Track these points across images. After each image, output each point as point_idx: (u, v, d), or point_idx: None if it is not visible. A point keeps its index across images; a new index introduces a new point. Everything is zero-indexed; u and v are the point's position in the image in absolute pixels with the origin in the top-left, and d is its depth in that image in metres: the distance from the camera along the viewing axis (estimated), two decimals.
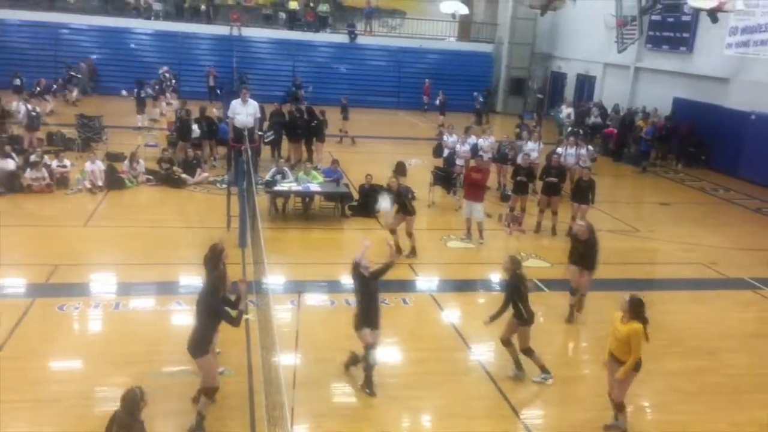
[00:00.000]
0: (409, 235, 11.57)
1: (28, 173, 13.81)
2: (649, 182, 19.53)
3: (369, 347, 7.33)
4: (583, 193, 12.86)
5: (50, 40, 27.58)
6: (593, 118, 23.55)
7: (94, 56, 27.59)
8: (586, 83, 28.50)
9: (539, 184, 13.75)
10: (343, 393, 7.48)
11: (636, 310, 6.51)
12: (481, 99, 26.98)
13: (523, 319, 7.59)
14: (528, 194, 13.68)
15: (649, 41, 24.05)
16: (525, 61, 31.87)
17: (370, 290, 7.43)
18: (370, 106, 28.41)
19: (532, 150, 15.46)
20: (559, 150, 15.68)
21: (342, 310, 9.55)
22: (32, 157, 14.21)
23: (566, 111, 23.65)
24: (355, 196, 14.18)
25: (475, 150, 15.53)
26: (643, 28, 22.86)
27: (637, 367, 6.55)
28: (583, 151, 16.28)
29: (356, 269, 7.40)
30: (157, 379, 7.23)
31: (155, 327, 8.61)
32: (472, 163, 13.32)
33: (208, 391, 6.46)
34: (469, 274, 11.40)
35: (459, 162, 15.50)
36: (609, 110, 24.17)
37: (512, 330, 7.72)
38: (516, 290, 7.55)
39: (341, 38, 31.24)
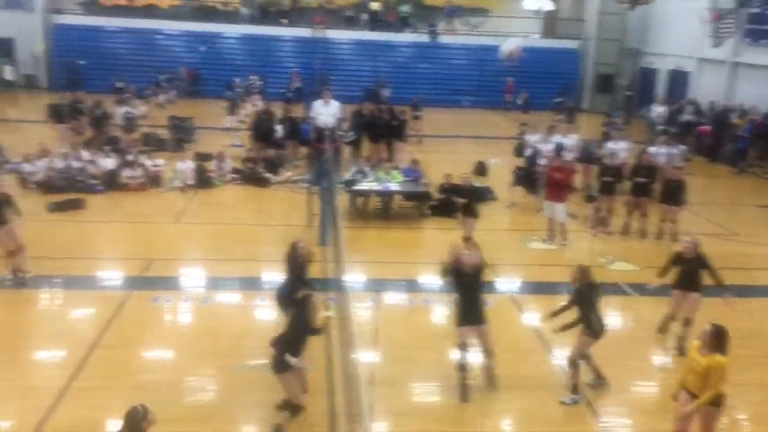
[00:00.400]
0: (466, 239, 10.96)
1: (125, 172, 14.60)
2: (747, 183, 18.46)
3: (458, 347, 7.25)
4: (673, 194, 12.32)
5: (145, 46, 29.06)
6: (686, 116, 22.48)
7: (186, 60, 28.81)
8: (678, 79, 27.23)
9: (628, 184, 13.28)
10: (423, 392, 7.48)
11: (719, 342, 5.79)
12: (559, 98, 26.37)
13: (594, 330, 7.15)
14: (615, 195, 13.23)
15: (748, 35, 22.68)
16: (613, 57, 30.83)
17: (468, 285, 7.30)
18: (451, 106, 28.30)
19: (620, 149, 14.94)
20: (651, 149, 15.08)
21: (420, 309, 9.59)
22: (129, 157, 15.04)
23: (658, 109, 22.68)
24: (435, 195, 14.14)
25: (559, 149, 15.16)
26: (740, 22, 21.62)
27: (718, 402, 5.87)
28: (674, 150, 15.58)
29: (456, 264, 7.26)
30: (241, 372, 7.49)
31: (240, 321, 8.90)
32: (555, 162, 13.00)
33: (292, 408, 6.39)
34: (551, 276, 11.12)
35: (541, 161, 15.16)
36: (703, 107, 23.01)
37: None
38: (587, 301, 7.14)
39: (423, 38, 31.24)
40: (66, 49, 28.26)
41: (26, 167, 14.32)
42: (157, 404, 6.82)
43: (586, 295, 7.15)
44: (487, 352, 7.41)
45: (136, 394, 7.01)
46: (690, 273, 8.23)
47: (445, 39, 31.31)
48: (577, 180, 15.46)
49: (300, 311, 6.47)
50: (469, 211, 11.39)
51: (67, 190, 13.80)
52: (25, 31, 28.06)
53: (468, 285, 7.28)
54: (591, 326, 7.13)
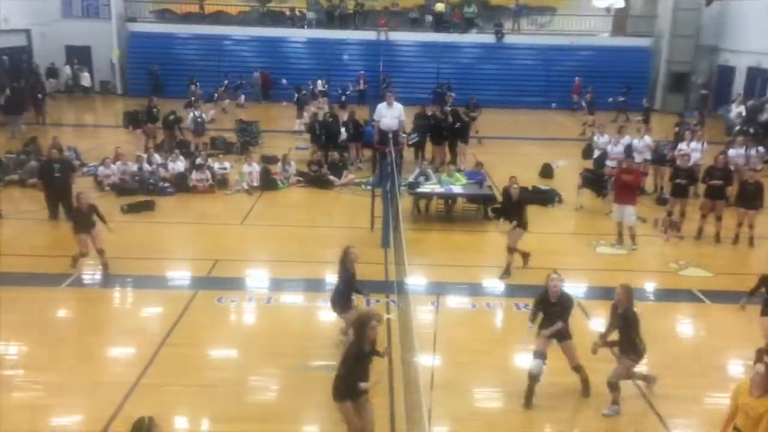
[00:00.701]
0: (511, 250, 10.47)
1: (194, 174, 15.03)
2: None
3: (534, 354, 7.10)
4: (750, 196, 11.75)
5: (214, 51, 29.89)
6: (766, 116, 21.35)
7: (257, 65, 29.40)
8: (758, 77, 25.91)
9: (702, 187, 12.73)
10: (482, 397, 7.37)
11: None
12: (620, 98, 25.52)
13: (638, 353, 6.84)
14: (688, 198, 12.69)
15: None
16: (688, 54, 29.63)
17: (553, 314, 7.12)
18: (518, 107, 27.86)
19: (694, 150, 14.33)
20: (731, 152, 14.41)
21: (482, 313, 9.45)
22: (198, 160, 15.48)
23: (737, 109, 21.63)
24: (499, 198, 13.92)
25: (629, 151, 14.66)
26: None
27: None
28: (753, 151, 14.83)
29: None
30: (305, 372, 7.55)
31: (303, 322, 8.99)
32: (624, 164, 12.58)
33: None
34: (620, 282, 10.74)
35: (610, 163, 14.70)
36: None
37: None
38: (633, 324, 6.79)
39: (488, 38, 30.89)
40: (140, 56, 29.40)
41: (101, 170, 14.95)
42: (220, 402, 7.01)
43: (631, 318, 6.81)
44: (577, 368, 7.20)
45: (200, 392, 7.19)
46: None
47: (511, 39, 30.86)
48: (649, 182, 14.94)
49: (358, 336, 6.06)
50: (521, 221, 10.48)
51: (139, 193, 14.32)
52: (102, 40, 29.32)
53: (553, 313, 7.10)
54: (636, 350, 6.84)
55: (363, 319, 6.03)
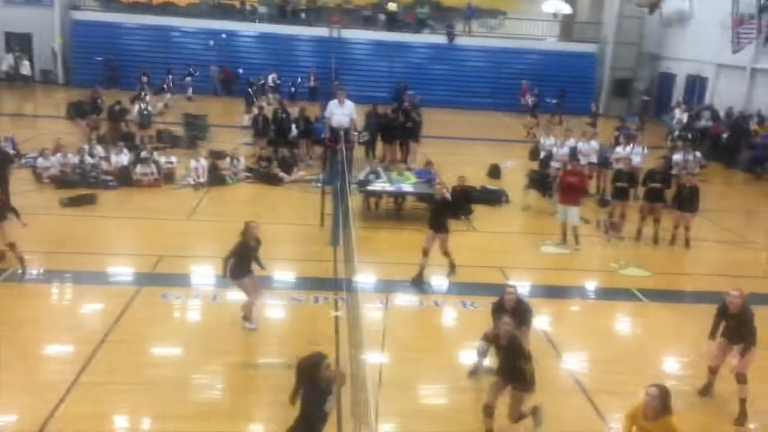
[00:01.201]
0: (445, 254, 10.33)
1: (139, 168, 14.65)
2: (764, 190, 18.21)
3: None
4: (687, 200, 12.23)
5: (161, 43, 29.21)
6: (704, 122, 22.25)
7: (208, 59, 28.85)
8: (697, 85, 26.97)
9: (642, 190, 13.16)
10: (429, 394, 7.44)
11: (666, 402, 5.32)
12: (554, 100, 26.16)
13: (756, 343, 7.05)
14: (629, 200, 13.11)
15: None
16: (631, 61, 30.61)
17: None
18: (467, 108, 28.20)
19: (635, 154, 14.80)
20: (676, 156, 15.01)
21: (430, 311, 9.54)
22: (143, 153, 15.10)
23: (679, 115, 22.47)
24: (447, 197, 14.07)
25: (573, 153, 15.05)
26: (761, 27, 21.36)
27: None
28: (690, 156, 15.45)
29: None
30: (250, 370, 7.48)
31: None
32: (569, 166, 12.91)
33: None
34: (563, 281, 11.04)
35: (555, 165, 15.06)
36: (721, 113, 22.76)
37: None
38: (750, 318, 7.03)
39: (440, 39, 31.17)
40: (83, 45, 28.48)
41: (40, 162, 14.43)
42: (163, 400, 6.86)
43: (749, 315, 7.05)
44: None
45: (143, 389, 7.03)
46: (735, 329, 7.17)
47: (462, 41, 31.22)
48: (592, 184, 15.36)
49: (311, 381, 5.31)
50: (439, 224, 10.22)
51: (80, 186, 13.88)
52: (43, 27, 28.28)
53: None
54: (755, 340, 7.01)
55: (309, 362, 5.36)
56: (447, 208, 10.42)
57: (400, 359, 7.79)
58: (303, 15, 31.38)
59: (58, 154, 14.53)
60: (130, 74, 25.33)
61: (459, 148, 21.00)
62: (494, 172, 17.17)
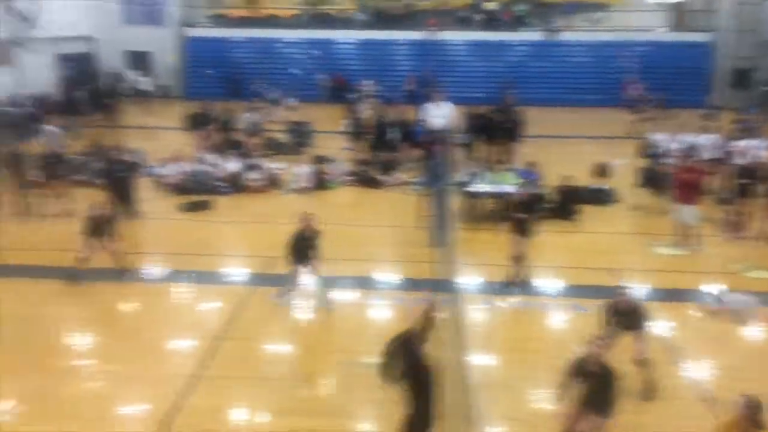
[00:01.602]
0: (517, 259, 9.92)
1: (248, 175, 15.33)
2: None
3: None
4: None
5: (266, 54, 30.46)
6: None
7: (305, 67, 29.84)
8: None
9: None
10: (533, 398, 7.28)
11: (757, 414, 4.87)
12: (655, 95, 24.57)
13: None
14: (752, 197, 12.25)
15: None
16: (750, 49, 28.58)
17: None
18: (571, 105, 27.38)
19: (757, 148, 13.81)
20: None
21: (534, 312, 9.34)
22: (252, 161, 15.77)
23: None
24: (552, 198, 13.73)
25: (690, 149, 14.23)
26: None
27: None
28: None
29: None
30: (354, 368, 7.63)
31: (353, 319, 9.08)
32: (685, 162, 12.22)
33: None
34: (680, 284, 10.47)
35: (669, 161, 14.30)
36: None
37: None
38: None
39: (538, 36, 30.48)
40: (197, 60, 30.23)
41: (161, 171, 15.41)
42: (275, 395, 7.15)
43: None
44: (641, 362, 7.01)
45: (256, 384, 7.36)
46: None
47: (564, 36, 30.36)
48: (711, 181, 14.50)
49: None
50: (521, 228, 9.78)
51: (196, 192, 14.70)
52: (161, 45, 30.28)
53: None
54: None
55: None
56: (531, 210, 10.04)
57: (503, 361, 7.68)
58: (400, 20, 31.63)
59: (176, 163, 15.46)
60: (242, 85, 26.45)
61: (563, 146, 20.40)
62: (601, 170, 16.54)
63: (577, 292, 9.68)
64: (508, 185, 13.39)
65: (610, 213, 13.88)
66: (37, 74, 24.98)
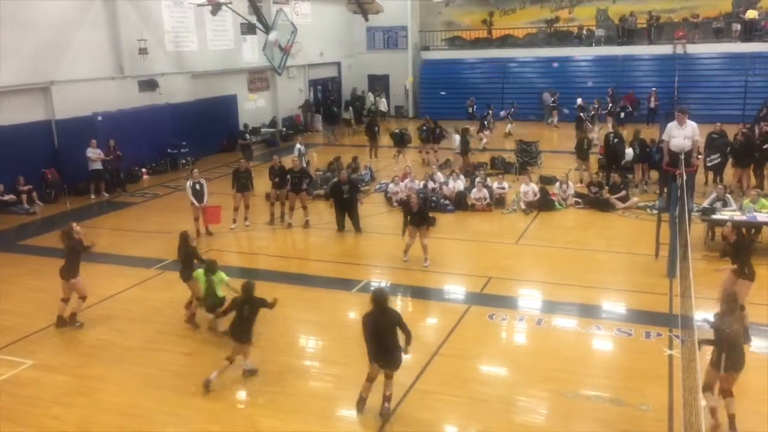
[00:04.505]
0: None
1: (473, 193, 15.56)
2: None
3: None
4: None
5: (498, 74, 30.73)
6: None
7: (537, 86, 29.54)
8: None
9: None
10: None
11: None
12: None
13: None
14: None
15: None
16: None
17: None
18: None
19: None
20: None
21: None
22: (476, 180, 15.97)
23: None
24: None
25: None
26: None
27: None
28: None
29: None
30: (573, 399, 7.31)
31: (574, 347, 8.70)
32: None
33: None
34: None
35: None
36: None
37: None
38: None
39: None
40: (430, 81, 31.58)
41: (391, 187, 16.32)
42: (487, 418, 7.11)
43: None
44: None
45: (468, 404, 7.39)
46: None
47: None
48: None
49: None
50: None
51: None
52: (398, 68, 32.23)
53: None
54: None
55: None
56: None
57: (747, 411, 6.79)
58: (644, 34, 29.75)
59: (406, 180, 16.25)
60: (465, 105, 27.01)
61: None
62: None
63: None
64: (763, 213, 11.89)
65: None
66: (290, 97, 28.35)
